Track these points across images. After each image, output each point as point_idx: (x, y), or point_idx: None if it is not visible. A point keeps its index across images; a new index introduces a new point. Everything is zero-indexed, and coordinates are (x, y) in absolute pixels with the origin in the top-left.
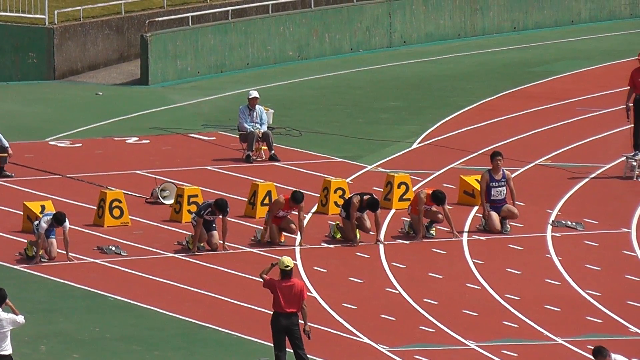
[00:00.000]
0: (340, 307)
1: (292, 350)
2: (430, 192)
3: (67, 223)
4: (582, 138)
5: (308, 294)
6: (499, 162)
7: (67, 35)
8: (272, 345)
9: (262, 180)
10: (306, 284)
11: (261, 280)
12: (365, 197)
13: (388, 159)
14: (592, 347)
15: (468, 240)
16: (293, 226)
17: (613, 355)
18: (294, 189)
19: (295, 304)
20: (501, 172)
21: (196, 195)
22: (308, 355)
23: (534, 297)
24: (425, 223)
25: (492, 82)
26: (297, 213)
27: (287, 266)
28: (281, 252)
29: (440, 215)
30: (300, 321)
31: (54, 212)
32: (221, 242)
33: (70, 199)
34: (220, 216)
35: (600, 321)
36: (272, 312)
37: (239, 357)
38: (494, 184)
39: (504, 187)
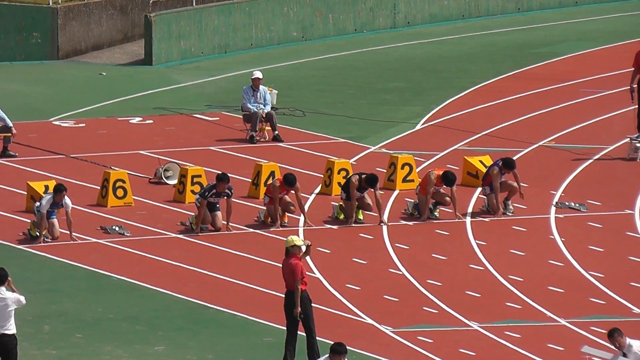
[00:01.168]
0: (343, 288)
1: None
2: (441, 172)
3: (69, 202)
4: (586, 119)
5: (311, 275)
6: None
7: (71, 15)
8: (281, 325)
9: (265, 161)
10: (310, 264)
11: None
12: (364, 176)
13: (392, 140)
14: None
15: (471, 221)
16: (292, 207)
17: (628, 340)
18: (287, 172)
19: (289, 282)
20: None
21: (200, 176)
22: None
23: (537, 279)
24: (430, 204)
25: (496, 64)
26: (294, 194)
27: (287, 244)
28: (284, 233)
29: (447, 198)
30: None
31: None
32: (225, 222)
33: (73, 179)
34: (225, 197)
35: (603, 302)
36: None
37: (242, 337)
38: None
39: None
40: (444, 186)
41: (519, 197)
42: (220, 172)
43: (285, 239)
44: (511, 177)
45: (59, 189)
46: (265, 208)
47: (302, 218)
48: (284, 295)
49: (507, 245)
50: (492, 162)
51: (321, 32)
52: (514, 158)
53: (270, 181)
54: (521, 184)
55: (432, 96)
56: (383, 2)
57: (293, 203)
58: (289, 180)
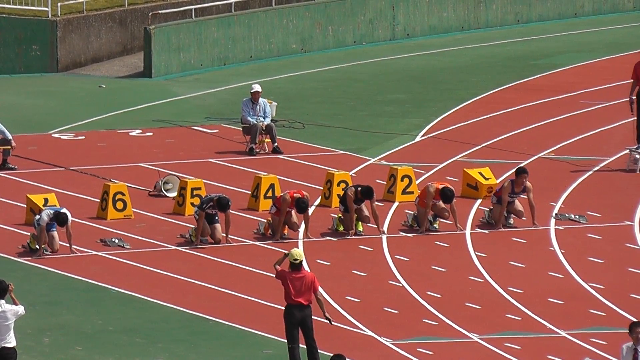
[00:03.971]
0: (343, 300)
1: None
2: (440, 187)
3: (69, 217)
4: (586, 131)
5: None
6: (524, 179)
7: (71, 27)
8: (280, 337)
9: (265, 173)
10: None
11: (274, 271)
12: (359, 188)
13: (391, 152)
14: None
15: (471, 233)
16: (295, 223)
17: None
18: (299, 197)
19: (306, 295)
20: (522, 186)
21: (199, 188)
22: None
23: (537, 290)
24: (430, 216)
25: (496, 75)
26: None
27: (296, 259)
28: (284, 245)
29: (446, 213)
30: (316, 318)
31: (56, 207)
32: (224, 235)
33: (73, 192)
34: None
35: (603, 314)
36: (284, 306)
37: (241, 349)
38: (512, 195)
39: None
40: (443, 202)
41: (529, 221)
42: (222, 197)
43: (287, 252)
44: (525, 202)
45: (62, 222)
46: (265, 220)
47: (301, 229)
48: (285, 307)
49: (506, 257)
50: (492, 175)
51: (321, 44)
52: (514, 170)
53: (280, 193)
54: (534, 206)
55: (431, 108)
56: (382, 14)
57: (297, 222)
58: (301, 208)
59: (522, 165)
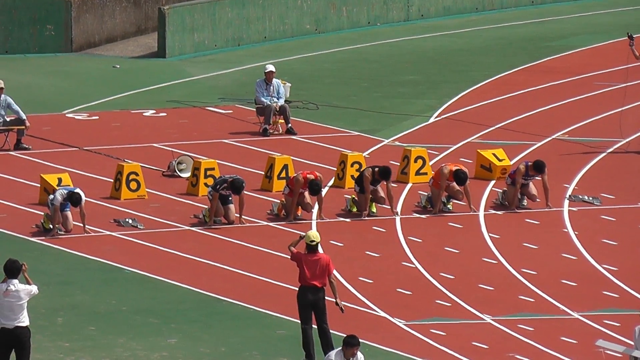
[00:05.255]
0: (356, 281)
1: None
2: (454, 169)
3: (83, 198)
4: (600, 112)
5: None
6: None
7: (85, 7)
8: (294, 318)
9: (278, 154)
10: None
11: (288, 252)
12: (377, 169)
13: (405, 133)
14: None
15: (484, 214)
16: (308, 204)
17: None
18: (312, 178)
19: (321, 277)
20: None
21: (213, 169)
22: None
23: (551, 272)
24: (444, 198)
25: (510, 56)
26: None
27: (313, 241)
28: (297, 226)
29: (460, 195)
30: (328, 298)
31: (70, 187)
32: (238, 215)
33: (87, 172)
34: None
35: (616, 296)
36: (298, 287)
37: (255, 330)
38: (527, 178)
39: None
40: (456, 184)
41: (542, 203)
42: (236, 180)
43: (302, 233)
44: (539, 184)
45: (75, 203)
46: (278, 201)
47: (315, 210)
48: (299, 288)
49: (520, 239)
50: (505, 156)
51: (335, 25)
52: (529, 150)
53: (293, 174)
54: (548, 189)
55: (445, 89)
56: None
57: (311, 203)
58: (314, 189)
59: (542, 160)
